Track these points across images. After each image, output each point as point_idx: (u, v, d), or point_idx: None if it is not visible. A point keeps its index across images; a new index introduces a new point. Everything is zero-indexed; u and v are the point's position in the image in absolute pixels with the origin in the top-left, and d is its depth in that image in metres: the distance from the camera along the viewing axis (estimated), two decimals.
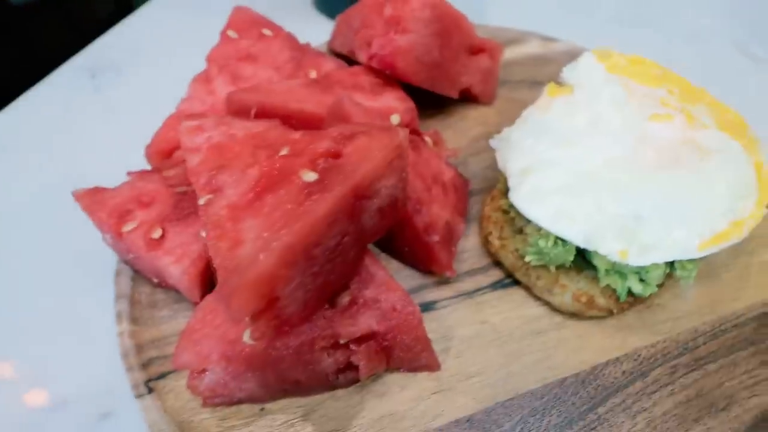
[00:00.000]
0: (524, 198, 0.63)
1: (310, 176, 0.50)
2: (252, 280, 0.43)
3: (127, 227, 0.64)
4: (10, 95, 1.00)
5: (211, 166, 0.56)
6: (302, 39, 0.98)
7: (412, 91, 0.83)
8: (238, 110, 0.69)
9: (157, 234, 0.64)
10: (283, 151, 0.55)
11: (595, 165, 0.62)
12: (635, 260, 0.58)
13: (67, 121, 0.97)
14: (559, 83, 0.75)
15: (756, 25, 1.11)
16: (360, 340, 0.56)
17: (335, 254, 0.52)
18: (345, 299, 0.57)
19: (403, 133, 0.55)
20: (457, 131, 0.91)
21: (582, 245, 0.60)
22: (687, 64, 1.01)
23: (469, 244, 0.76)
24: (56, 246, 0.79)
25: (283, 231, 0.45)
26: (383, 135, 0.54)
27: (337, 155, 0.54)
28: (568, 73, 0.75)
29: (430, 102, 0.89)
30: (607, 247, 0.58)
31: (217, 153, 0.58)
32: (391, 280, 0.58)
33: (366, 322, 0.55)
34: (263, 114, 0.69)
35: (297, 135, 0.57)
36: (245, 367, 0.54)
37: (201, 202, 0.52)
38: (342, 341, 0.56)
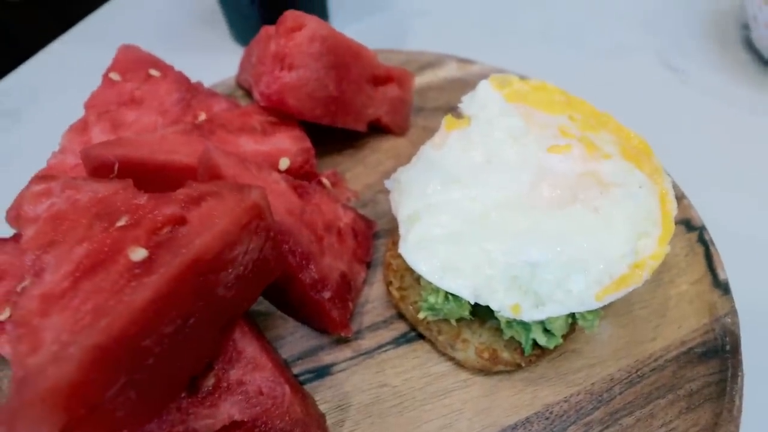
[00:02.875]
0: (411, 249, 0.56)
1: (139, 254, 0.43)
2: (40, 396, 0.35)
3: None
4: None
5: (41, 242, 0.49)
6: (219, 72, 0.91)
7: (320, 126, 0.77)
8: (98, 167, 0.62)
9: (3, 315, 0.56)
10: (121, 221, 0.48)
11: (486, 208, 0.56)
12: (529, 315, 0.52)
13: None
14: (458, 115, 0.70)
15: (676, 37, 1.09)
16: (226, 429, 0.49)
17: (179, 339, 0.45)
18: (209, 382, 0.50)
19: (257, 193, 0.48)
20: (368, 166, 0.85)
21: (472, 300, 0.54)
22: (611, 79, 0.99)
23: (374, 292, 0.69)
24: None
25: (86, 331, 0.38)
26: (231, 197, 0.47)
27: (182, 222, 0.47)
28: (466, 103, 0.70)
29: (341, 135, 0.84)
30: (499, 301, 0.52)
31: (52, 225, 0.50)
32: (260, 356, 0.51)
33: (227, 411, 0.48)
34: (128, 170, 0.62)
35: (143, 199, 0.51)
36: None
37: (18, 288, 0.45)
38: None
